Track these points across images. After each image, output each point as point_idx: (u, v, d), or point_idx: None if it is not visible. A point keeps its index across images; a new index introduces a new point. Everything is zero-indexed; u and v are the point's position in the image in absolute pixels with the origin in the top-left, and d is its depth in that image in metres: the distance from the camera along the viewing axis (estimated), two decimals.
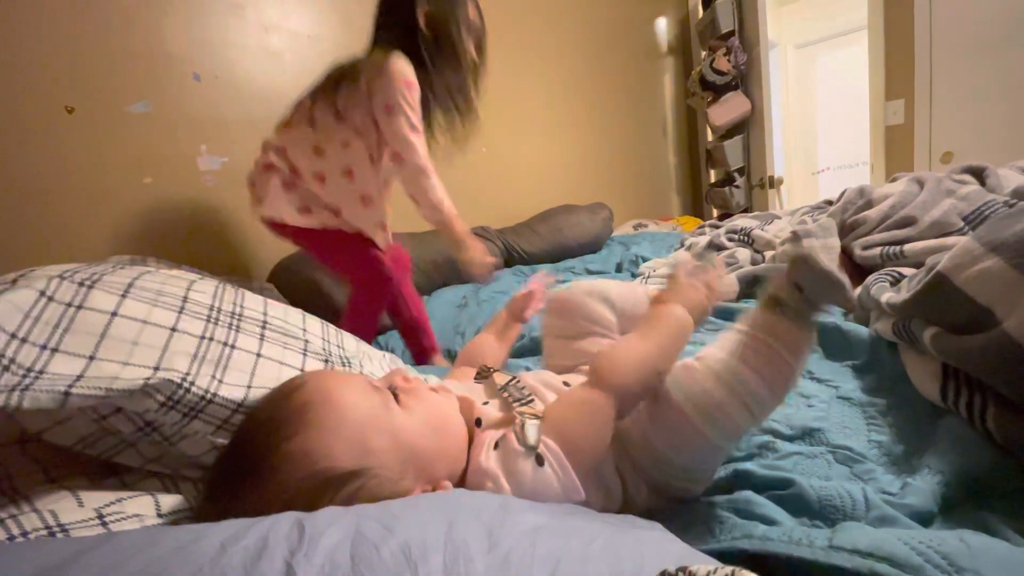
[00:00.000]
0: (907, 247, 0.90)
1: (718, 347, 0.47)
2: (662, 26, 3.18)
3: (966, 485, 0.47)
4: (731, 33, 2.75)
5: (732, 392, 0.43)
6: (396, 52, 1.00)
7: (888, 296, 0.69)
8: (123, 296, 0.44)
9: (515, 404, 0.47)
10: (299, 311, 0.62)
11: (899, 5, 2.62)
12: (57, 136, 1.23)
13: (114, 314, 0.42)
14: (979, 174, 1.09)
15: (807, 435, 0.58)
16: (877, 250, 0.95)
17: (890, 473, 0.51)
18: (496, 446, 0.42)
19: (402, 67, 0.99)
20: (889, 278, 0.84)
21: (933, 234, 0.90)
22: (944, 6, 2.51)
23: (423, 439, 0.42)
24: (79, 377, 0.37)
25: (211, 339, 0.46)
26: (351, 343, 0.65)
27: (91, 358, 0.39)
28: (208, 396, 0.42)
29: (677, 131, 3.32)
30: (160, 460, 0.44)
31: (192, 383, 0.41)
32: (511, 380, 0.53)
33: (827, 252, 0.99)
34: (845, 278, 0.45)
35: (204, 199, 1.45)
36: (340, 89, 1.03)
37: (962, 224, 0.91)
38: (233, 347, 0.47)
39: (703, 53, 3.03)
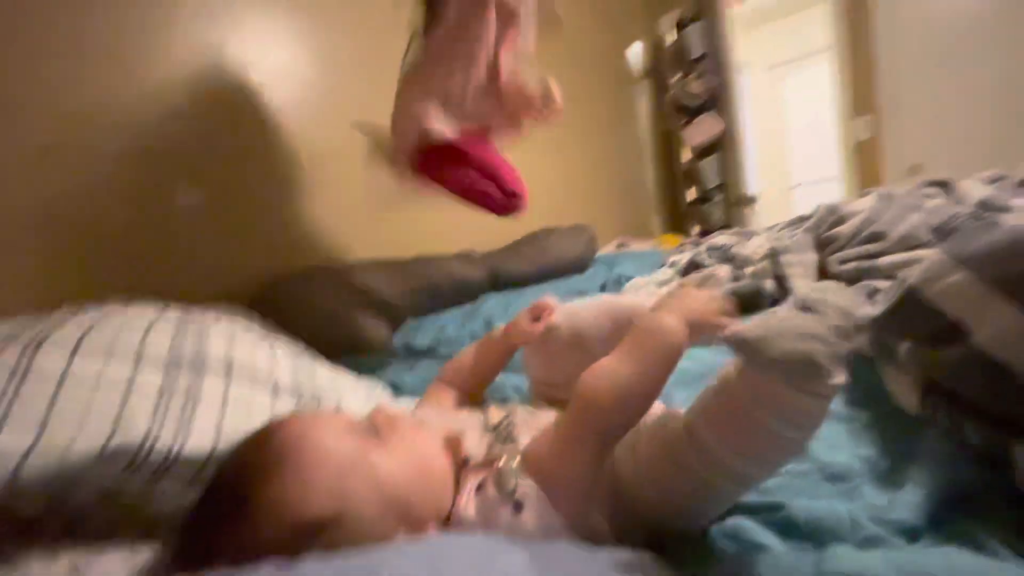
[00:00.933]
0: (880, 261, 0.92)
1: (703, 411, 0.42)
2: (636, 52, 3.28)
3: (951, 498, 0.47)
4: (701, 58, 2.85)
5: (724, 474, 0.40)
6: None
7: (865, 311, 0.70)
8: (73, 354, 0.41)
9: (498, 444, 0.46)
10: (267, 345, 0.60)
11: (860, 25, 2.74)
12: (31, 178, 1.21)
13: (64, 375, 0.40)
14: (945, 187, 1.13)
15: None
16: (852, 264, 0.97)
17: (877, 487, 0.51)
18: (479, 488, 0.41)
19: None
20: (865, 291, 0.86)
21: (903, 248, 0.93)
22: (904, 24, 2.63)
23: (405, 481, 0.40)
24: (30, 450, 0.35)
25: (173, 388, 0.44)
26: (325, 374, 0.64)
27: (42, 427, 0.36)
28: (173, 453, 0.40)
29: (654, 152, 3.40)
30: (130, 519, 0.42)
31: (154, 442, 0.39)
32: (505, 418, 0.51)
33: (803, 267, 1.01)
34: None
35: (184, 234, 1.43)
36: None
37: (930, 237, 0.94)
38: (198, 394, 0.46)
39: (676, 77, 3.12)
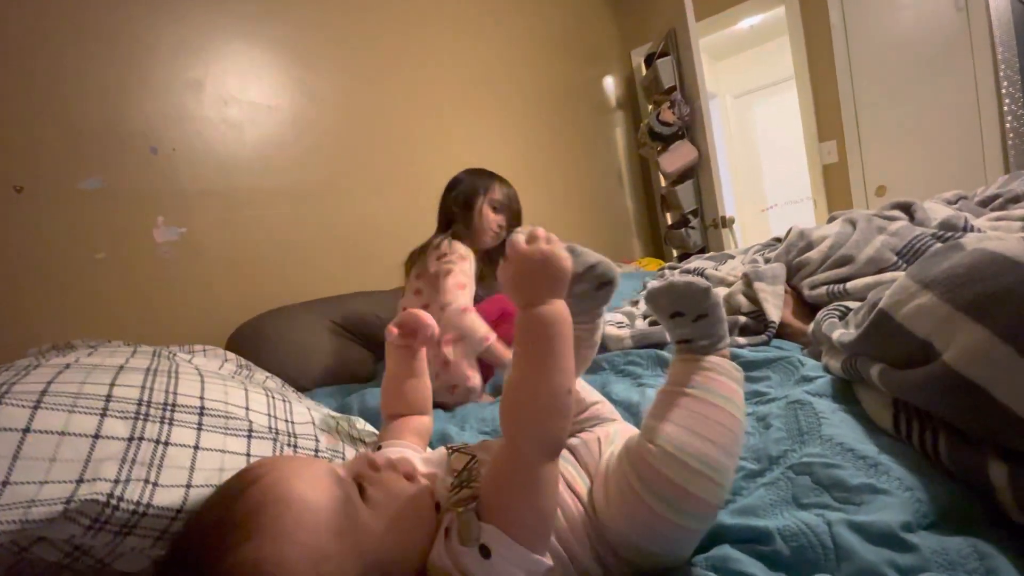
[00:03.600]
0: (849, 284, 0.95)
1: (661, 416, 0.44)
2: (610, 84, 3.40)
3: (934, 510, 0.48)
4: (673, 88, 2.95)
5: (694, 472, 0.40)
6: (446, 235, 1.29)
7: (839, 333, 0.72)
8: (35, 408, 0.40)
9: (453, 490, 0.43)
10: (241, 387, 0.58)
11: (820, 56, 2.89)
12: (4, 217, 1.19)
13: (26, 431, 0.38)
14: (907, 209, 1.18)
15: (772, 463, 0.58)
16: (823, 288, 1.00)
17: (857, 476, 0.50)
18: (447, 535, 0.39)
19: (452, 244, 1.26)
20: (838, 312, 0.89)
21: (871, 270, 0.96)
22: (860, 55, 2.78)
23: (389, 540, 0.38)
24: None
25: (141, 439, 0.43)
26: (302, 413, 0.62)
27: (3, 484, 0.35)
28: (141, 508, 0.38)
29: (632, 179, 3.48)
30: None
31: (121, 497, 0.38)
32: (470, 462, 0.49)
33: (774, 296, 1.04)
34: (703, 281, 0.48)
35: (161, 271, 1.41)
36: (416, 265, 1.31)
37: (896, 259, 0.97)
38: (167, 443, 0.44)
39: (649, 107, 3.22)
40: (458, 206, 1.33)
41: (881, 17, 2.69)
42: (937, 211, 1.14)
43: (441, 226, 1.37)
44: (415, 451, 0.55)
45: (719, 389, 0.46)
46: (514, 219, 1.39)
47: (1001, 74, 2.41)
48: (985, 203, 1.27)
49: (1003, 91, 2.42)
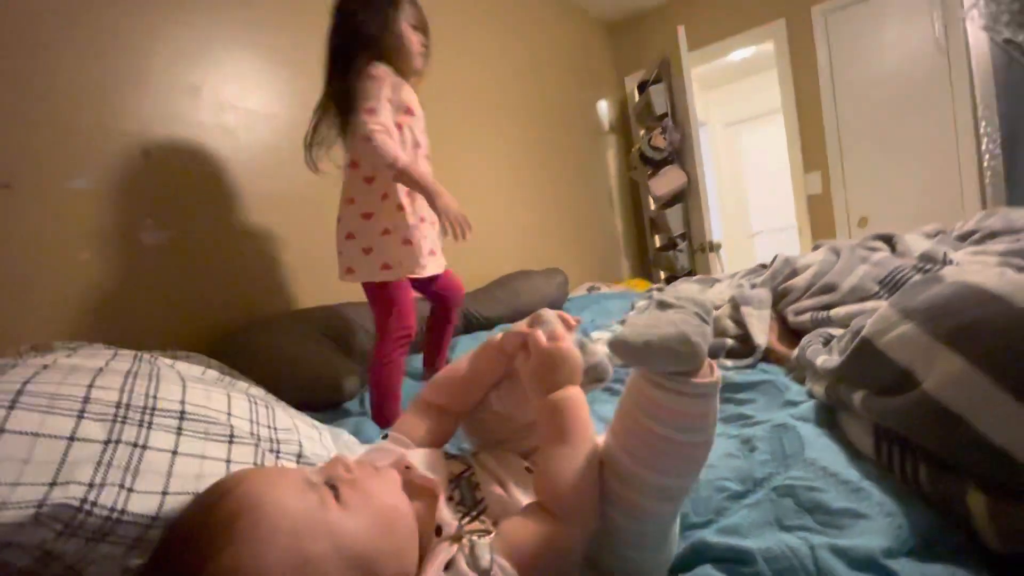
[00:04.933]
0: (832, 312, 0.97)
1: (612, 435, 0.45)
2: (603, 108, 3.47)
3: (914, 537, 0.48)
4: (665, 115, 3.02)
5: (641, 493, 0.42)
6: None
7: (822, 359, 0.74)
8: (10, 408, 0.39)
9: (464, 518, 0.44)
10: (224, 392, 0.57)
11: (807, 90, 2.98)
12: None
13: (0, 431, 0.37)
14: (889, 240, 1.21)
15: (757, 485, 0.58)
16: (807, 315, 1.02)
17: (839, 500, 0.51)
18: (447, 567, 0.38)
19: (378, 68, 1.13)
20: (821, 339, 0.90)
21: (853, 299, 0.98)
22: (845, 91, 2.88)
23: (367, 540, 0.38)
24: None
25: (118, 442, 0.42)
26: (284, 420, 0.61)
27: None
28: (115, 515, 0.38)
29: (622, 201, 3.54)
30: None
31: (94, 503, 0.37)
32: (464, 472, 0.49)
33: (760, 321, 1.05)
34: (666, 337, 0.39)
35: (146, 275, 1.39)
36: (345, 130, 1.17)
37: (877, 288, 1.00)
38: (145, 447, 0.43)
39: (641, 132, 3.29)
40: (377, 29, 1.15)
41: (866, 55, 2.79)
42: (917, 243, 1.17)
43: (341, 65, 1.18)
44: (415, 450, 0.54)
45: (684, 422, 0.42)
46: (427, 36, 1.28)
47: (980, 114, 2.51)
48: (963, 238, 1.30)
49: (981, 130, 2.51)
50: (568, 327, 0.55)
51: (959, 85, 2.54)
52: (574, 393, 0.48)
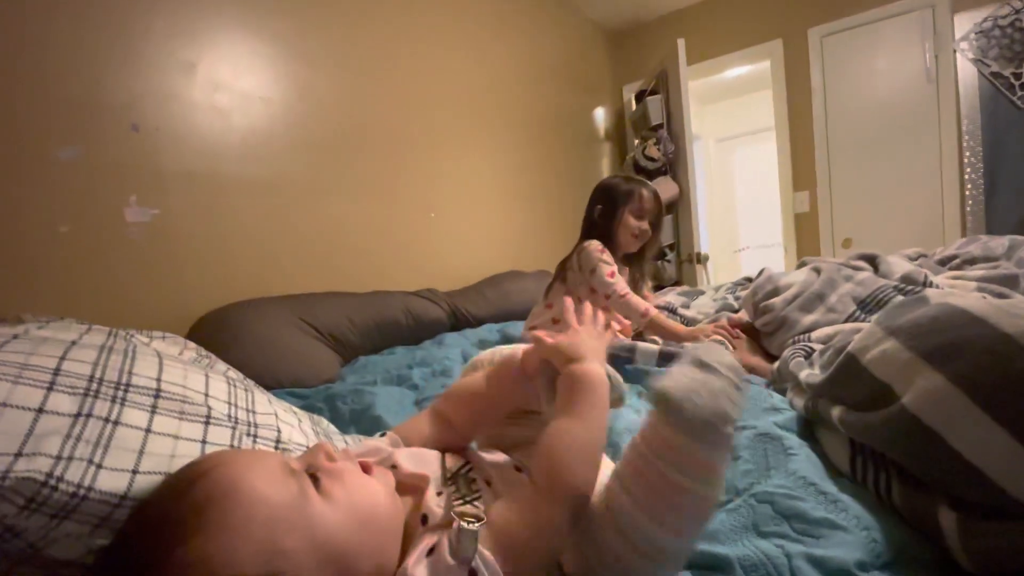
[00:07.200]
0: (815, 333, 0.98)
1: (617, 476, 0.42)
2: (599, 116, 3.48)
3: (888, 551, 0.49)
4: (660, 125, 3.04)
5: (632, 546, 0.39)
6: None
7: (806, 373, 0.74)
8: None
9: (457, 502, 0.41)
10: (202, 372, 0.56)
11: (800, 111, 3.03)
12: None
13: None
14: (872, 261, 1.23)
15: (738, 494, 0.58)
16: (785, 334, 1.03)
17: (817, 510, 0.51)
18: (431, 552, 0.37)
19: (592, 244, 1.50)
20: (803, 352, 0.91)
21: (829, 321, 0.99)
22: (836, 114, 2.94)
23: (346, 534, 0.36)
24: None
25: (89, 415, 0.40)
26: (264, 404, 0.60)
27: None
28: (81, 492, 0.36)
29: None
30: (30, 562, 0.37)
31: (60, 477, 0.35)
32: (463, 467, 0.47)
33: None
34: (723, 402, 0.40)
35: (127, 252, 1.36)
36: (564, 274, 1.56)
37: (856, 308, 1.01)
38: (117, 423, 0.42)
39: (636, 141, 3.31)
40: (600, 216, 1.59)
41: (858, 81, 2.85)
42: (899, 265, 1.19)
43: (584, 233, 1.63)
44: (408, 448, 0.53)
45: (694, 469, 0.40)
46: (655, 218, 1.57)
47: (964, 144, 2.58)
48: (943, 262, 1.33)
49: (965, 160, 2.58)
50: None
51: (947, 114, 2.61)
52: (594, 368, 0.47)
